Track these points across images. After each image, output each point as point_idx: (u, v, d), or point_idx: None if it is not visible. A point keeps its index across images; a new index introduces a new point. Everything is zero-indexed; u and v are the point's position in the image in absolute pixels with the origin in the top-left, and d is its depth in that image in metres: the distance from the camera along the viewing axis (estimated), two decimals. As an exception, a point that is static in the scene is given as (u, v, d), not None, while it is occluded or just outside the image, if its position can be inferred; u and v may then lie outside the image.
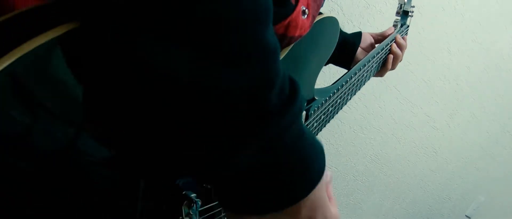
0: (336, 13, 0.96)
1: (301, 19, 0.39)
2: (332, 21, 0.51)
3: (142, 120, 0.27)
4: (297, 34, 0.40)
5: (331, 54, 0.55)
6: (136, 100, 0.25)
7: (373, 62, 0.73)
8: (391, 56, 0.79)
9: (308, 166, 0.30)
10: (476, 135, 1.70)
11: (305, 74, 0.50)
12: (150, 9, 0.22)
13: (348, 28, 1.00)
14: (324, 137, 1.22)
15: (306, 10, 0.40)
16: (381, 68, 0.81)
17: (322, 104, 0.57)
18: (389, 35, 0.80)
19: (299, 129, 0.29)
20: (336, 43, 0.54)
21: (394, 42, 0.79)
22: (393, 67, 0.82)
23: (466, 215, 2.15)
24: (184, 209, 0.38)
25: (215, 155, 0.26)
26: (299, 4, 0.38)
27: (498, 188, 2.12)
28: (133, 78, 0.24)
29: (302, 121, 0.30)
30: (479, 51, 1.36)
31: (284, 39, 0.40)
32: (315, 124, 0.58)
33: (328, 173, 0.34)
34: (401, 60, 0.82)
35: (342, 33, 0.79)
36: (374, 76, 0.82)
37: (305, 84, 0.52)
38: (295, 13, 0.38)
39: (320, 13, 0.49)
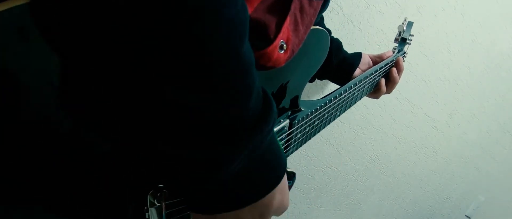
0: (336, 13, 0.96)
1: (277, 53, 0.39)
2: (322, 35, 0.51)
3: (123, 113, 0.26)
4: (269, 65, 0.39)
5: (319, 66, 0.55)
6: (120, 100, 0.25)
7: (366, 82, 0.74)
8: (383, 80, 0.81)
9: (271, 168, 0.33)
10: (476, 135, 1.70)
11: (290, 84, 0.51)
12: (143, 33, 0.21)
13: (348, 28, 1.00)
14: (324, 136, 1.22)
15: (285, 45, 0.39)
16: (376, 91, 0.82)
17: (307, 115, 0.57)
18: (387, 58, 0.82)
19: (272, 135, 0.32)
20: (325, 57, 0.55)
21: (394, 66, 0.81)
22: (388, 91, 0.84)
23: (466, 215, 2.15)
24: (149, 199, 0.37)
25: (206, 166, 0.27)
26: (278, 39, 0.37)
27: (498, 188, 2.12)
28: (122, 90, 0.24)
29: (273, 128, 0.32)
30: (479, 51, 1.36)
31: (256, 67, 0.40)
32: (299, 135, 0.59)
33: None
34: (397, 83, 0.84)
35: (343, 52, 0.80)
36: (368, 96, 0.84)
37: (290, 94, 0.52)
38: (271, 47, 0.37)
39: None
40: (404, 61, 0.92)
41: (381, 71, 0.79)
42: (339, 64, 0.77)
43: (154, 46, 0.22)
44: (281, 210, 0.37)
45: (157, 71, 0.22)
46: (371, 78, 0.75)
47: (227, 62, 0.24)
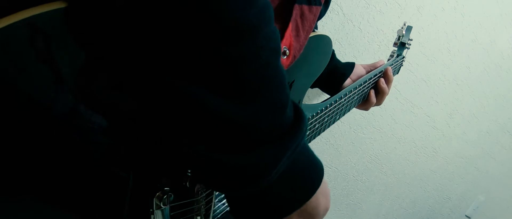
0: (336, 13, 0.96)
1: (280, 58, 0.39)
2: (325, 40, 0.51)
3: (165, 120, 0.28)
4: None
5: (321, 71, 0.55)
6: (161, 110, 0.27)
7: (366, 86, 0.74)
8: (372, 90, 0.78)
9: (310, 170, 0.34)
10: (476, 135, 1.70)
11: (293, 88, 0.51)
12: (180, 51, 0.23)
13: (348, 28, 1.00)
14: (324, 137, 1.22)
15: (287, 51, 0.40)
16: (365, 102, 0.79)
17: (308, 119, 0.58)
18: (379, 67, 0.80)
19: (304, 141, 0.33)
20: (327, 62, 0.55)
21: (383, 76, 0.78)
22: (378, 103, 0.81)
23: (466, 215, 2.15)
24: (155, 202, 0.37)
25: (255, 168, 0.29)
26: (281, 45, 0.38)
27: (498, 188, 2.12)
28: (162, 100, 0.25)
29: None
30: (479, 51, 1.36)
31: None
32: None
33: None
34: (387, 94, 0.81)
35: (336, 61, 0.78)
36: (358, 108, 0.81)
37: (293, 97, 0.53)
38: None
39: (313, 30, 0.49)
40: (402, 65, 0.92)
41: (381, 75, 0.79)
42: (330, 72, 0.75)
43: (203, 61, 0.23)
44: (325, 213, 0.38)
45: (205, 83, 0.24)
46: (371, 82, 0.75)
47: (271, 75, 0.27)
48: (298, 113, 0.32)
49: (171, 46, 0.22)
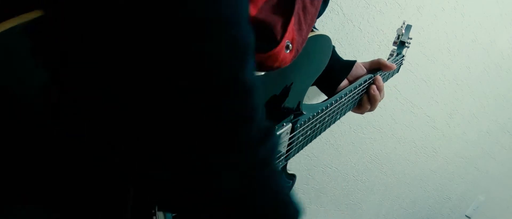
0: (336, 13, 0.96)
1: (284, 53, 0.39)
2: (325, 39, 0.51)
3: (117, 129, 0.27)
4: (276, 65, 0.40)
5: (321, 71, 0.55)
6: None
7: (366, 84, 0.72)
8: (365, 95, 0.75)
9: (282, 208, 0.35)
10: (476, 135, 1.71)
11: (293, 88, 0.51)
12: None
13: (348, 28, 1.00)
14: (324, 137, 1.22)
15: (290, 45, 0.39)
16: (359, 107, 0.77)
17: (309, 119, 0.58)
18: (383, 64, 0.76)
19: (273, 170, 0.33)
20: (327, 61, 0.55)
21: (374, 84, 0.75)
22: (371, 109, 0.77)
23: (466, 215, 2.15)
24: (157, 216, 0.37)
25: (199, 179, 0.29)
26: (284, 39, 0.38)
27: (498, 188, 2.12)
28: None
29: (276, 165, 0.34)
30: (479, 51, 1.36)
31: (262, 68, 0.40)
32: (300, 138, 0.59)
33: None
34: (381, 99, 0.77)
35: (333, 61, 0.74)
36: (353, 111, 0.78)
37: (293, 97, 0.53)
38: (277, 48, 0.37)
39: (313, 30, 0.49)
40: (402, 64, 0.91)
41: (371, 81, 0.76)
42: (325, 74, 0.73)
43: (158, 52, 0.22)
44: None
45: (159, 79, 0.23)
46: (364, 86, 0.74)
47: (226, 82, 0.25)
48: (268, 134, 0.32)
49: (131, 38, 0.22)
